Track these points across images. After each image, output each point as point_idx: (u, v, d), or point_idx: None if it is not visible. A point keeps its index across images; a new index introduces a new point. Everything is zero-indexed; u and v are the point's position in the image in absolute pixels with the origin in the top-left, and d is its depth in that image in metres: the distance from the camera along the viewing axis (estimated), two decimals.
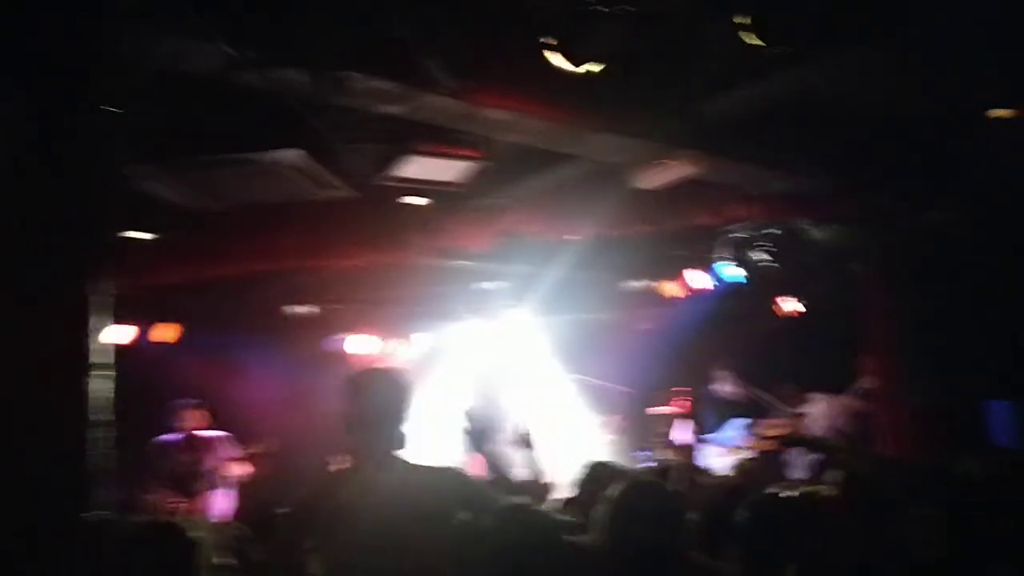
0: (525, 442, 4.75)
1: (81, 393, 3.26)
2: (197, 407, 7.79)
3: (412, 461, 3.35)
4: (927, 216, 6.58)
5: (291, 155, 4.88)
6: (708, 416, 7.87)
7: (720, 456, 7.86)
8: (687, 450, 7.42)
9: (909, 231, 6.73)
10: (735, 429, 7.77)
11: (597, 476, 4.45)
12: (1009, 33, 4.48)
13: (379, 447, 3.30)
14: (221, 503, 7.50)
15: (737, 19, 3.85)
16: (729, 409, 7.76)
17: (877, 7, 4.14)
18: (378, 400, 3.33)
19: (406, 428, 3.38)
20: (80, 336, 3.29)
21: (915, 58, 4.63)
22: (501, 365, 9.79)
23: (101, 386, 3.44)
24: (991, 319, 6.50)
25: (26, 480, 3.12)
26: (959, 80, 5.10)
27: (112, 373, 3.46)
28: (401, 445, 3.34)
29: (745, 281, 8.04)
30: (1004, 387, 6.48)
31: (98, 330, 3.40)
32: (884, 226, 6.89)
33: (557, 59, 4.10)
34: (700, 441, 7.94)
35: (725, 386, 7.89)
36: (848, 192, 6.47)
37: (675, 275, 8.75)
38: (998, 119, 5.50)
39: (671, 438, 8.03)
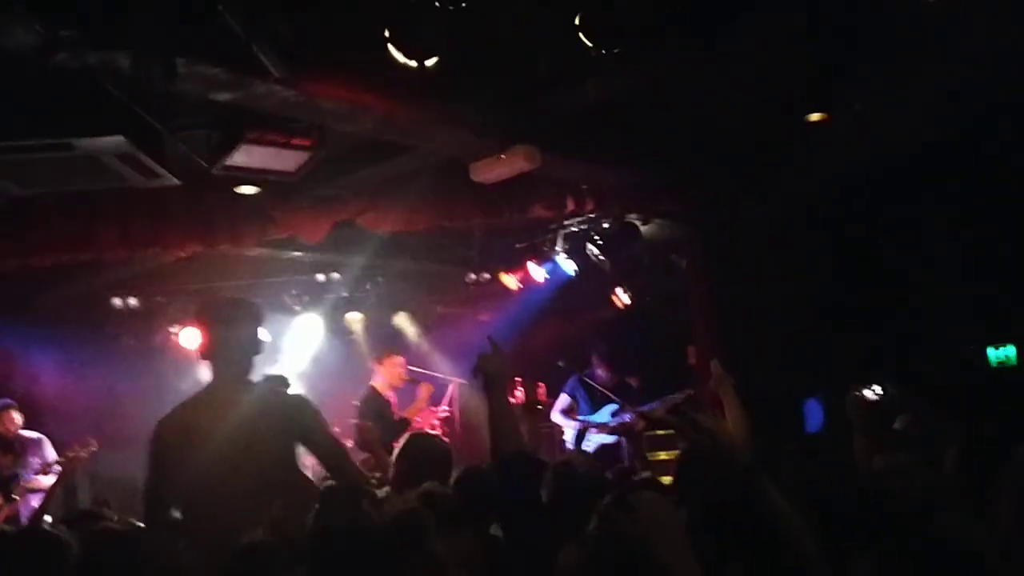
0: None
1: None
2: (13, 406, 7.35)
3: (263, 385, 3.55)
4: (743, 212, 6.93)
5: (112, 142, 4.64)
6: (582, 400, 8.06)
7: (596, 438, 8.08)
8: None
9: (726, 226, 7.07)
10: (607, 413, 8.01)
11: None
12: (821, 38, 4.77)
13: (230, 371, 3.49)
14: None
15: (568, 19, 3.93)
16: (601, 394, 7.96)
17: (698, 11, 4.32)
18: (231, 325, 3.53)
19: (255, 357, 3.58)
20: None
21: (734, 60, 4.86)
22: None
23: None
24: (799, 312, 6.91)
25: None
26: (775, 83, 5.39)
27: None
28: (250, 372, 3.54)
29: (577, 274, 8.28)
30: (816, 377, 6.90)
31: None
32: (702, 221, 7.23)
33: (396, 53, 4.09)
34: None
35: (600, 371, 8.07)
36: (670, 188, 6.74)
37: (513, 267, 8.90)
38: (811, 122, 5.86)
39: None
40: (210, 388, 3.49)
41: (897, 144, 5.91)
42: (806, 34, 4.81)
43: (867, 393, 4.35)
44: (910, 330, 6.64)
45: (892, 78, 5.34)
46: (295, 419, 3.40)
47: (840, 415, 4.46)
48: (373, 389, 7.85)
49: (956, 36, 4.78)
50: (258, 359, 3.60)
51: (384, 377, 7.91)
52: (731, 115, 5.83)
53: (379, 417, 7.23)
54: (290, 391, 3.62)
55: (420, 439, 4.18)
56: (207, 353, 3.56)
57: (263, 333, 3.63)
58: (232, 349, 3.53)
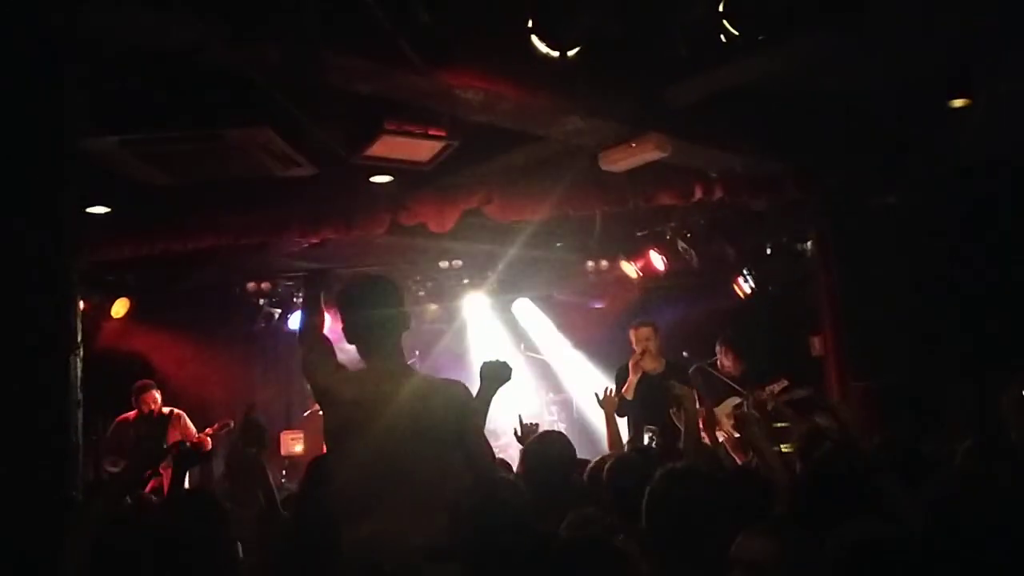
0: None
1: (70, 373, 3.26)
2: (153, 386, 7.72)
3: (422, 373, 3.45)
4: (876, 199, 6.73)
5: (257, 132, 4.82)
6: (701, 390, 7.92)
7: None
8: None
9: (855, 213, 6.88)
10: (730, 407, 7.86)
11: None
12: (959, 23, 4.60)
13: (381, 352, 3.31)
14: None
15: (711, 4, 3.88)
16: (724, 384, 7.81)
17: None
18: (376, 304, 3.32)
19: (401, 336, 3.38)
20: (70, 317, 3.29)
21: (870, 45, 4.73)
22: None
23: (76, 367, 3.44)
24: (930, 303, 6.68)
25: (22, 459, 3.12)
26: (913, 68, 5.22)
27: (81, 352, 3.44)
28: (399, 351, 3.36)
29: (699, 262, 8.18)
30: (952, 368, 6.67)
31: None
32: (831, 208, 7.05)
33: (539, 44, 4.11)
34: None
35: (724, 360, 7.92)
36: (799, 175, 6.59)
37: (633, 255, 8.86)
38: (951, 108, 5.65)
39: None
40: (368, 370, 3.31)
41: None
42: (949, 17, 4.65)
43: None
44: None
45: None
46: (457, 410, 3.22)
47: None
48: None
49: None
50: (405, 335, 3.39)
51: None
52: (865, 100, 5.67)
53: None
54: (451, 380, 3.41)
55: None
56: (350, 336, 3.34)
57: (403, 308, 3.39)
58: (374, 329, 3.30)
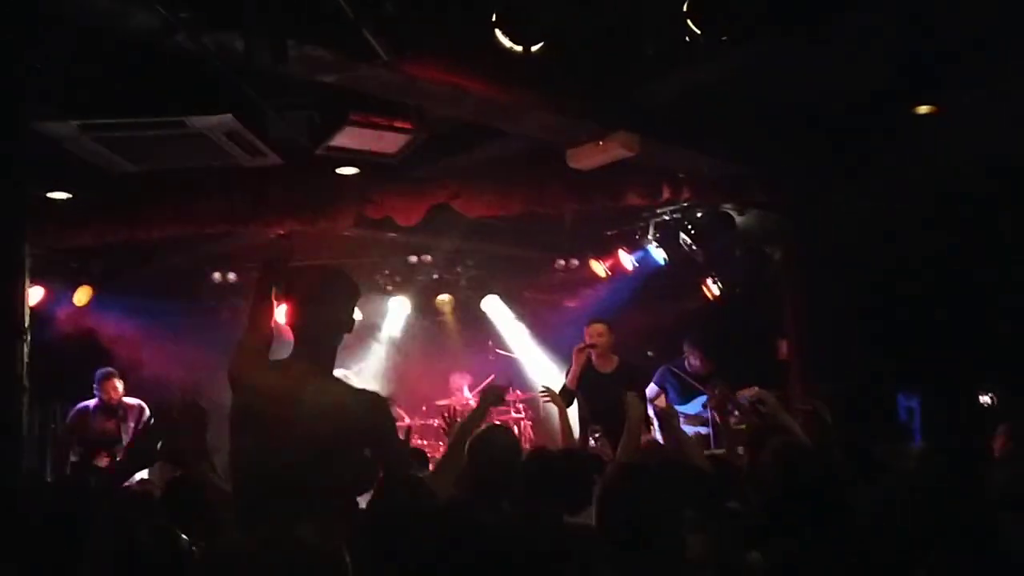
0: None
1: (15, 357, 3.21)
2: (115, 375, 7.65)
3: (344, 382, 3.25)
4: (841, 205, 6.77)
5: (221, 120, 4.77)
6: (671, 390, 7.94)
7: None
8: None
9: (822, 218, 6.92)
10: (698, 404, 7.88)
11: None
12: (932, 25, 4.63)
13: (309, 350, 3.18)
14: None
15: (675, 5, 3.89)
16: (689, 385, 7.84)
17: None
18: (326, 300, 3.19)
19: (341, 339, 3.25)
20: (17, 301, 3.24)
21: (838, 49, 4.75)
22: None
23: (22, 351, 3.39)
24: (894, 308, 6.74)
25: None
26: (879, 73, 5.26)
27: (28, 336, 3.39)
28: (331, 355, 3.23)
29: (668, 263, 8.20)
30: (910, 375, 6.73)
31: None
32: (798, 213, 7.09)
33: (502, 38, 4.10)
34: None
35: (692, 360, 7.95)
36: (767, 178, 6.63)
37: (602, 254, 8.87)
38: (916, 114, 5.70)
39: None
40: (290, 364, 3.17)
41: (1011, 139, 5.69)
42: (916, 22, 4.68)
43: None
44: (1015, 332, 6.40)
45: (1007, 70, 5.15)
46: (367, 419, 3.10)
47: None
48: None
49: None
50: (346, 337, 3.26)
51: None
52: (833, 105, 5.71)
53: None
54: (367, 390, 3.29)
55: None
56: (289, 322, 3.22)
57: (354, 311, 3.26)
58: (318, 326, 3.18)
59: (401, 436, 4.01)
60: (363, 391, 3.21)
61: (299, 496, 2.96)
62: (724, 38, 3.88)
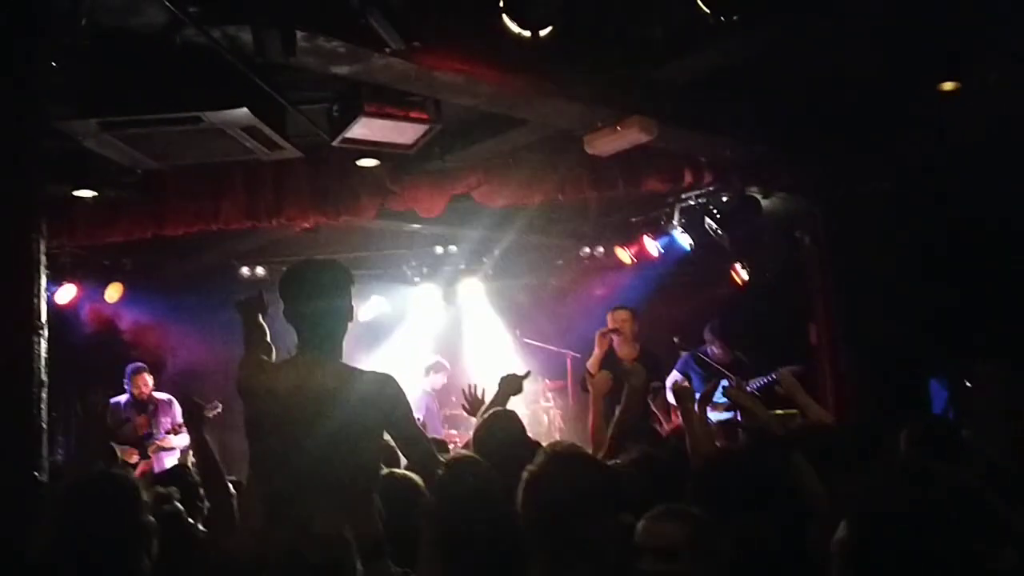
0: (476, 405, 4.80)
1: (33, 354, 3.25)
2: (146, 370, 7.76)
3: (354, 368, 3.25)
4: (867, 186, 6.68)
5: (237, 115, 4.80)
6: (695, 377, 7.87)
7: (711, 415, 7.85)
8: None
9: (848, 200, 6.83)
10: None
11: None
12: (950, 7, 4.54)
13: (315, 342, 3.20)
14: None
15: None
16: (714, 371, 7.76)
17: None
18: (317, 293, 3.20)
19: (345, 328, 3.27)
20: (32, 297, 3.28)
21: (858, 27, 4.67)
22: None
23: (39, 346, 3.44)
24: (924, 290, 6.62)
25: None
26: (903, 50, 5.16)
27: (46, 333, 3.43)
28: (338, 344, 3.24)
29: (694, 249, 8.13)
30: (939, 357, 6.62)
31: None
32: (824, 195, 7.00)
33: (510, 23, 4.09)
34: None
35: (714, 348, 7.88)
36: (791, 160, 6.55)
37: (627, 241, 8.83)
38: (941, 92, 5.59)
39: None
40: (296, 360, 3.20)
41: None
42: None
43: None
44: None
45: None
46: (384, 402, 3.12)
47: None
48: None
49: None
50: (349, 327, 3.27)
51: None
52: (856, 85, 5.62)
53: None
54: (380, 372, 3.27)
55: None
56: (289, 321, 3.23)
57: (348, 300, 3.27)
58: (310, 318, 3.18)
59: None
60: (373, 373, 3.21)
61: (325, 487, 3.00)
62: (735, 17, 3.82)
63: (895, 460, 3.50)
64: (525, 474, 2.54)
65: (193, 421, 3.70)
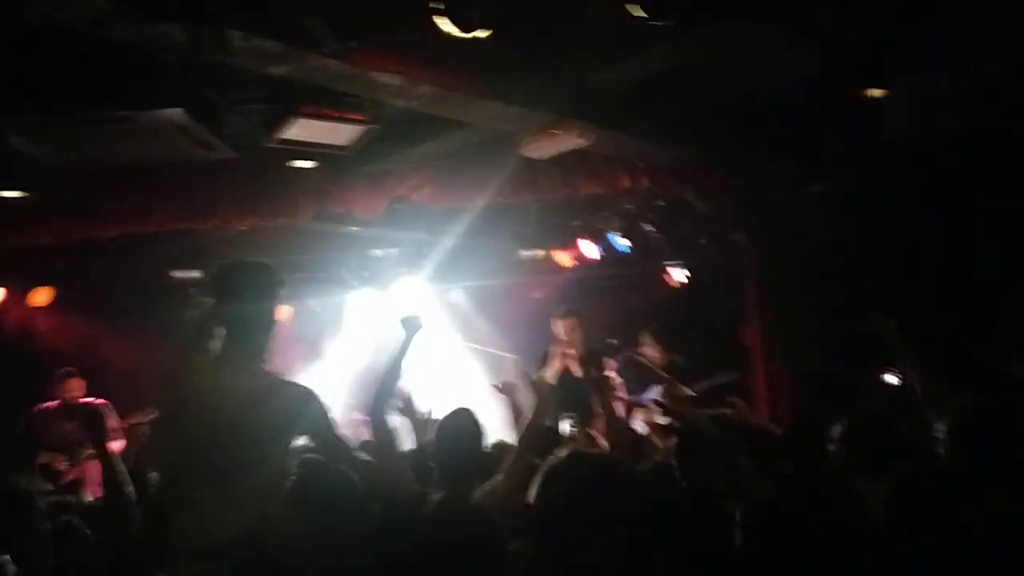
0: (409, 409, 4.81)
1: None
2: (77, 375, 7.58)
3: (275, 374, 3.28)
4: (799, 189, 6.82)
5: (171, 115, 4.74)
6: (632, 379, 7.91)
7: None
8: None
9: (781, 203, 6.97)
10: (657, 392, 7.86)
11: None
12: (880, 12, 4.65)
13: (241, 343, 3.20)
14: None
15: None
16: (651, 373, 7.81)
17: None
18: (243, 295, 3.20)
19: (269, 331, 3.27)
20: None
21: (788, 34, 4.77)
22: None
23: None
24: (856, 292, 6.78)
25: None
26: (832, 56, 5.28)
27: None
28: (263, 353, 3.24)
29: (631, 251, 8.21)
30: (869, 356, 6.77)
31: None
32: (757, 198, 7.12)
33: (445, 24, 4.09)
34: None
35: (650, 351, 7.91)
36: (725, 164, 6.65)
37: (567, 244, 8.88)
38: (870, 98, 5.73)
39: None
40: (219, 359, 3.21)
41: (961, 121, 5.74)
42: (865, 4, 4.71)
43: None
44: (969, 314, 6.45)
45: (957, 51, 5.19)
46: (297, 408, 3.15)
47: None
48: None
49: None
50: (271, 333, 3.29)
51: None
52: (787, 89, 5.73)
53: None
54: (296, 382, 3.34)
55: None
56: (219, 318, 3.26)
57: (270, 304, 3.28)
58: (245, 321, 3.21)
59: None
60: (293, 383, 3.25)
61: (237, 489, 2.98)
62: (668, 23, 3.88)
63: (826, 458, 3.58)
64: (544, 467, 2.59)
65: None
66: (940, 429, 3.18)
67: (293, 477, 3.32)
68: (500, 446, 4.88)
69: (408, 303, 9.73)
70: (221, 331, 3.27)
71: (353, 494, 3.07)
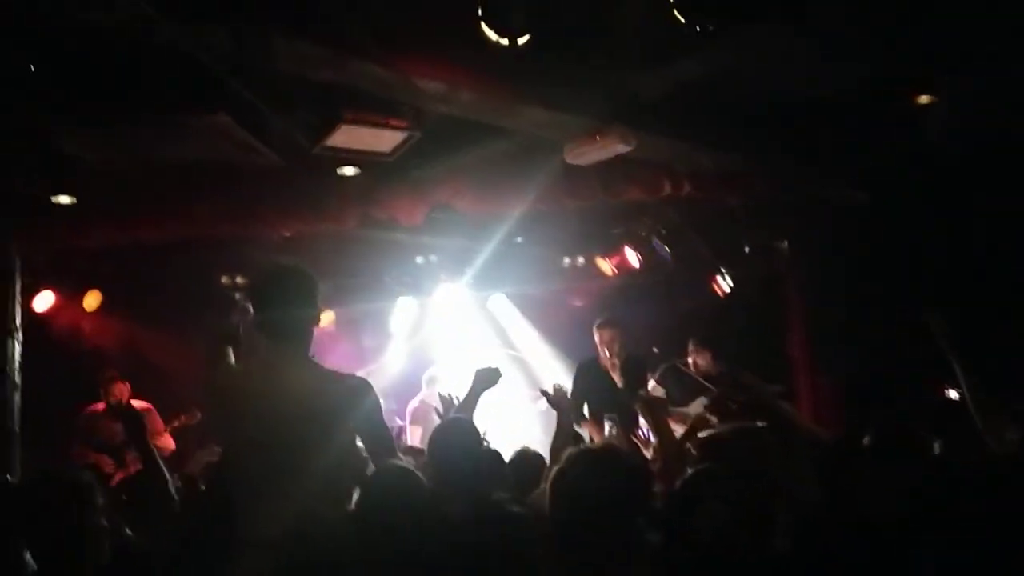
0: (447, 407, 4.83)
1: (6, 356, 3.25)
2: (123, 378, 7.70)
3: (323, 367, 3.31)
4: (844, 196, 6.74)
5: (215, 120, 4.80)
6: (674, 388, 7.81)
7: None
8: None
9: (825, 211, 6.89)
10: (699, 404, 7.75)
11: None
12: (922, 18, 4.59)
13: (285, 346, 3.24)
14: None
15: None
16: (695, 383, 7.69)
17: None
18: (286, 298, 3.24)
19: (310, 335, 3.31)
20: (5, 301, 3.28)
21: (831, 38, 4.72)
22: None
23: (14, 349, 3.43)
24: (901, 300, 6.66)
25: None
26: (878, 62, 5.22)
27: (20, 336, 3.43)
28: (307, 346, 3.28)
29: (672, 258, 8.16)
30: (914, 364, 6.65)
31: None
32: (801, 205, 7.05)
33: (488, 31, 4.10)
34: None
35: (699, 360, 7.80)
36: (770, 171, 6.59)
37: (609, 251, 8.85)
38: (917, 104, 5.65)
39: None
40: (269, 361, 3.26)
41: (1005, 126, 5.64)
42: (911, 10, 4.64)
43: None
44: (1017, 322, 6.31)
45: (1005, 58, 5.10)
46: (353, 402, 3.18)
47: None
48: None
49: None
50: (314, 332, 3.33)
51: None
52: (833, 96, 5.66)
53: None
54: (351, 374, 3.37)
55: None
56: (257, 325, 3.28)
57: (313, 306, 3.30)
58: (279, 324, 3.22)
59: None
60: (350, 374, 3.28)
61: (296, 490, 3.01)
62: (710, 29, 3.85)
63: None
64: (553, 471, 2.60)
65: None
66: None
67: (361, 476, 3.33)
68: (524, 453, 4.83)
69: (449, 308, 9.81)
70: (262, 338, 3.32)
71: (423, 497, 3.05)
